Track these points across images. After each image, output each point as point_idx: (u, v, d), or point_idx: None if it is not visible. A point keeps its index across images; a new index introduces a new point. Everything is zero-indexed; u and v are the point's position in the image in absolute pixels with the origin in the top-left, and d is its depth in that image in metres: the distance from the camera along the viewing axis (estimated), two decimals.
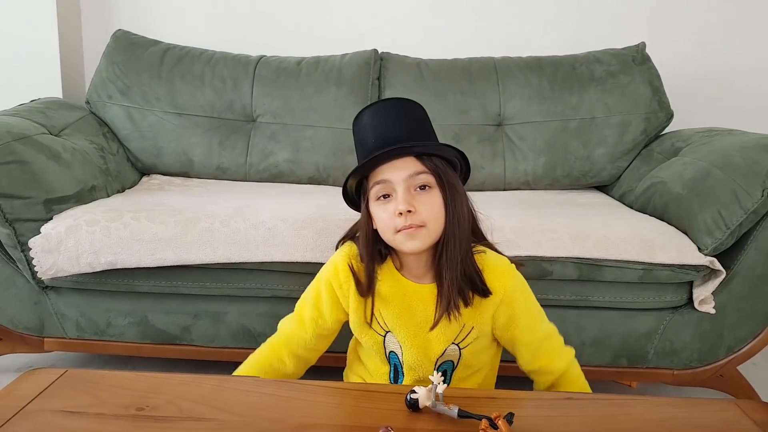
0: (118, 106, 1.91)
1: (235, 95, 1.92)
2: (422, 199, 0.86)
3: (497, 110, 1.91)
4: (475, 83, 1.92)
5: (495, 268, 0.90)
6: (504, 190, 1.91)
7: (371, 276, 0.92)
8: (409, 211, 0.84)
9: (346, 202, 0.97)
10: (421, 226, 0.85)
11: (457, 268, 0.86)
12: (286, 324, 1.03)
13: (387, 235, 0.88)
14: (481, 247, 0.94)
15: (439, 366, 0.93)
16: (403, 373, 0.95)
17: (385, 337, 0.94)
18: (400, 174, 0.85)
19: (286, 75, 1.93)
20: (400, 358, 0.94)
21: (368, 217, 0.90)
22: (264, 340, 1.42)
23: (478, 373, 0.97)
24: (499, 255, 0.95)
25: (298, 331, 1.00)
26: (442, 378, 0.73)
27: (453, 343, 0.91)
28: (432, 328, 0.90)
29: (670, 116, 1.87)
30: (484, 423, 0.66)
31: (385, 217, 0.87)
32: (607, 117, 1.86)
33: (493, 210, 1.45)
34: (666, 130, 1.89)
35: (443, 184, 0.87)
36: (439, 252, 0.88)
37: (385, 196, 0.87)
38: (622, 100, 1.86)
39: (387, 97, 1.90)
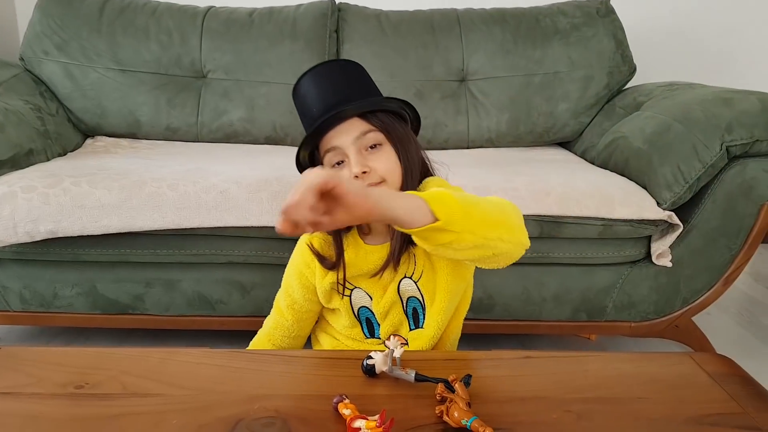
0: (56, 63, 1.79)
1: (183, 50, 1.82)
2: (375, 157, 0.85)
3: (460, 65, 1.86)
4: (437, 36, 1.86)
5: (425, 190, 0.87)
6: (468, 147, 1.88)
7: (340, 246, 0.91)
8: (364, 172, 0.83)
9: (300, 172, 0.94)
10: (380, 182, 0.84)
11: None
12: (267, 319, 1.03)
13: None
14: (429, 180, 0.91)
15: (407, 303, 0.92)
16: (378, 323, 0.94)
17: (351, 295, 0.94)
18: (347, 138, 0.84)
19: (237, 27, 1.83)
20: (372, 308, 0.93)
21: None
22: (221, 307, 1.40)
23: (455, 317, 0.95)
24: (435, 178, 0.93)
25: (279, 321, 1.00)
26: (403, 342, 0.70)
27: (406, 276, 0.91)
28: (375, 275, 0.90)
29: (633, 70, 1.86)
30: (440, 387, 0.64)
31: None
32: (571, 71, 1.83)
33: (456, 169, 1.43)
34: (628, 85, 1.88)
35: (393, 138, 0.86)
36: None
37: (339, 163, 0.86)
38: (585, 53, 1.84)
39: (346, 51, 1.83)
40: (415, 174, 0.88)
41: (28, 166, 1.42)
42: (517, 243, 0.73)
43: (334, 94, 0.85)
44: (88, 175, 1.31)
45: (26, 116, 1.55)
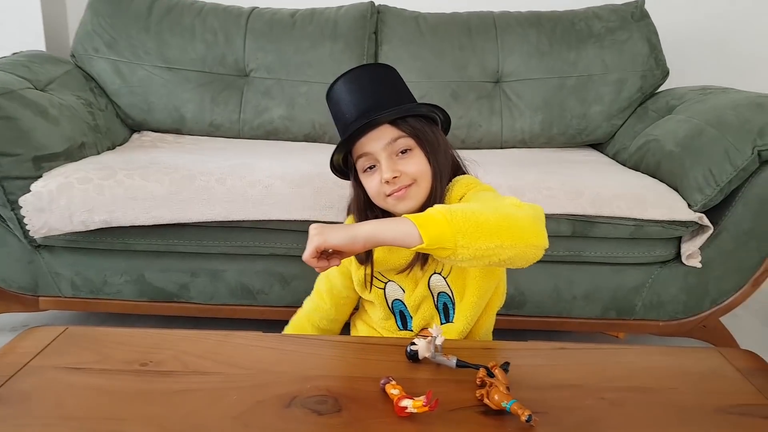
0: (105, 60, 1.86)
1: (227, 49, 1.88)
2: (406, 162, 0.89)
3: (495, 67, 1.89)
4: (473, 38, 1.89)
5: (452, 190, 0.92)
6: (501, 148, 1.91)
7: None
8: (395, 177, 0.88)
9: (336, 175, 0.99)
10: (411, 184, 0.89)
11: None
12: (307, 300, 1.09)
13: (379, 201, 0.92)
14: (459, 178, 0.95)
15: (437, 298, 0.96)
16: (410, 316, 0.98)
17: (385, 288, 0.98)
18: (378, 144, 0.88)
19: (279, 28, 1.88)
20: (405, 301, 0.97)
21: (359, 188, 0.95)
22: (262, 297, 1.46)
23: (486, 311, 0.99)
24: (465, 176, 0.96)
25: (318, 303, 1.06)
26: (440, 330, 0.75)
27: (435, 272, 0.95)
28: (403, 271, 0.94)
29: (666, 74, 1.86)
30: (481, 372, 0.68)
31: (373, 186, 0.91)
32: (605, 74, 1.85)
33: (490, 168, 1.47)
34: (661, 88, 1.88)
35: (422, 143, 0.90)
36: (423, 209, 0.90)
37: (371, 167, 0.90)
38: (619, 57, 1.85)
39: (384, 52, 1.87)
40: (445, 175, 0.92)
41: (80, 159, 1.48)
42: (526, 246, 0.72)
43: (365, 100, 0.89)
44: (140, 168, 1.37)
45: (78, 111, 1.61)
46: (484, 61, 1.88)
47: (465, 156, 1.00)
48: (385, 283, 0.98)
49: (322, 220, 1.31)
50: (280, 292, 1.45)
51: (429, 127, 0.92)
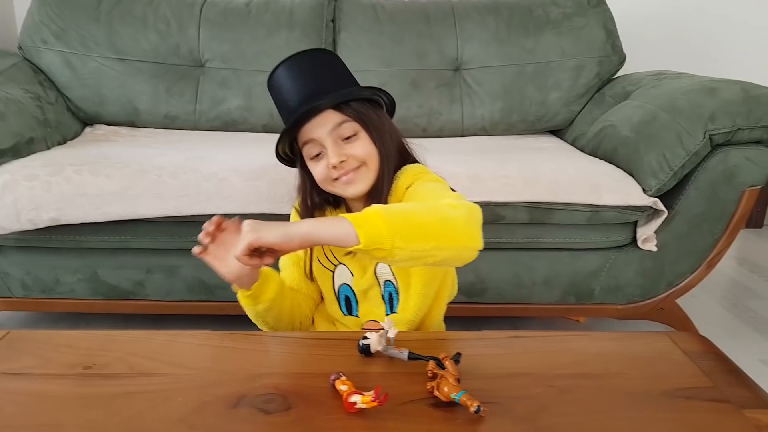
0: (54, 52, 1.80)
1: (181, 38, 1.84)
2: (352, 146, 0.89)
3: (455, 54, 1.89)
4: (432, 26, 1.88)
5: (400, 179, 0.91)
6: (462, 136, 1.91)
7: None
8: (342, 161, 0.87)
9: (282, 163, 0.98)
10: (359, 167, 0.89)
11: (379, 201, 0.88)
12: None
13: (327, 186, 0.92)
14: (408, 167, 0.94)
15: (383, 287, 0.95)
16: (357, 300, 0.98)
17: (334, 271, 0.98)
18: (323, 129, 0.87)
19: (234, 17, 1.84)
20: (353, 286, 0.97)
21: (305, 174, 0.95)
22: (221, 293, 1.43)
23: (437, 302, 0.98)
24: (414, 165, 0.96)
25: (285, 276, 1.02)
26: (393, 324, 0.74)
27: None
28: (348, 254, 0.92)
29: (622, 60, 1.89)
30: (431, 364, 0.68)
31: (320, 171, 0.90)
32: (562, 61, 1.86)
33: (450, 156, 1.47)
34: (618, 74, 1.91)
35: (367, 126, 0.89)
36: (371, 192, 0.91)
37: (318, 155, 0.90)
38: (576, 43, 1.86)
39: (342, 40, 1.85)
40: (392, 158, 0.91)
41: (29, 155, 1.44)
42: (461, 248, 0.73)
43: (307, 86, 0.88)
44: (90, 164, 1.33)
45: (26, 105, 1.57)
46: (443, 49, 1.88)
47: (420, 143, 0.99)
48: (336, 266, 0.97)
49: (279, 213, 1.28)
50: None
51: (374, 110, 0.92)
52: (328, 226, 0.72)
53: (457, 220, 0.73)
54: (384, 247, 0.68)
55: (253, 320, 0.96)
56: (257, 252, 0.72)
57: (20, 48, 1.82)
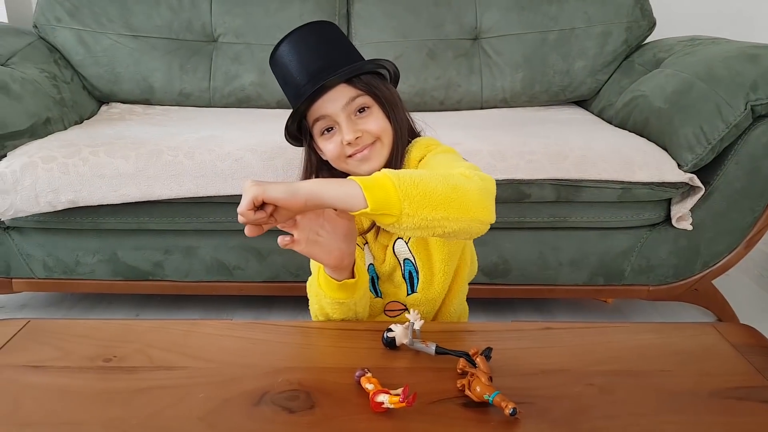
0: (68, 30, 1.77)
1: (193, 13, 1.79)
2: (366, 120, 0.86)
3: (473, 23, 1.81)
4: None
5: (411, 152, 0.89)
6: (481, 108, 1.84)
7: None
8: (357, 138, 0.85)
9: (290, 142, 0.94)
10: (374, 142, 0.86)
11: None
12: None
13: (339, 164, 0.89)
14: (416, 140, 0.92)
15: (403, 266, 0.93)
16: (378, 280, 0.96)
17: (365, 247, 0.95)
18: (336, 105, 0.84)
19: None
20: (377, 268, 0.95)
21: (312, 152, 0.92)
22: (239, 273, 1.42)
23: (456, 281, 0.95)
24: (424, 137, 0.94)
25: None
26: (418, 316, 0.70)
27: (399, 238, 0.91)
28: (365, 233, 0.92)
29: (652, 24, 1.79)
30: (461, 362, 0.65)
31: (332, 149, 0.87)
32: (588, 27, 1.77)
33: (469, 131, 1.41)
34: (648, 40, 1.81)
35: (380, 99, 0.87)
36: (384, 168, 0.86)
37: (329, 129, 0.87)
38: (602, 8, 1.77)
39: (356, 11, 1.79)
40: (404, 132, 0.89)
41: (46, 136, 1.43)
42: (472, 220, 0.68)
43: (316, 61, 0.85)
44: (106, 144, 1.31)
45: (42, 85, 1.55)
46: (461, 18, 1.80)
47: (417, 118, 0.96)
48: (365, 244, 0.95)
49: None
50: (257, 267, 1.41)
51: (383, 83, 0.89)
52: (335, 187, 0.67)
53: (470, 190, 0.69)
54: (392, 212, 0.65)
55: (327, 309, 0.86)
56: (264, 211, 0.67)
57: (35, 26, 1.79)
